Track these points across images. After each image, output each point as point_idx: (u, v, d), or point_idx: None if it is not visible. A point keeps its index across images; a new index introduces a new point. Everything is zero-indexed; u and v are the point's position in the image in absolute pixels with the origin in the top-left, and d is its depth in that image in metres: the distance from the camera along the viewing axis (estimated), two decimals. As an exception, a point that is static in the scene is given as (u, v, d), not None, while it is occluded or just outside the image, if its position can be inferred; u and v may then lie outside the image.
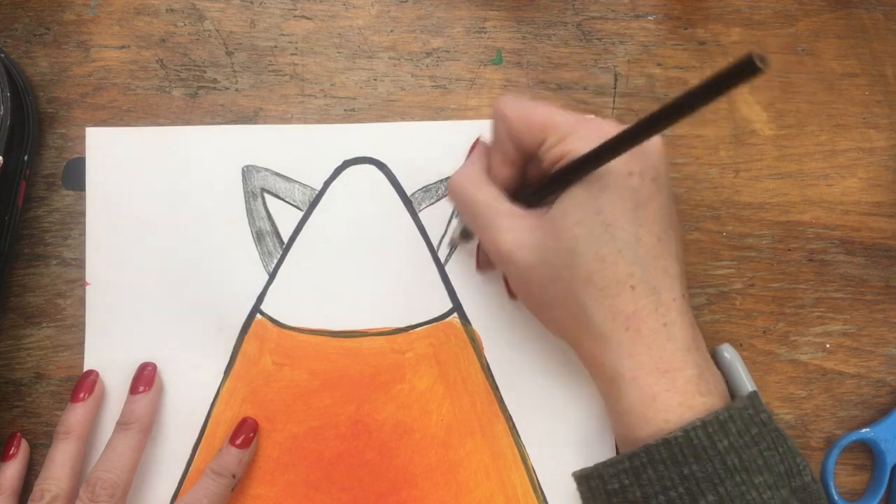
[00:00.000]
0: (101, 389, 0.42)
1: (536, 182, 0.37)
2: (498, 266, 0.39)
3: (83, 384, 0.41)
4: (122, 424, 0.40)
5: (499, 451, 0.42)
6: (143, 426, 0.40)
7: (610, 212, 0.33)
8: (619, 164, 0.33)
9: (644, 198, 0.34)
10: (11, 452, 0.41)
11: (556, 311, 0.36)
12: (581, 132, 0.34)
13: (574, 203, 0.34)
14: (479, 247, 0.42)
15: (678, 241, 0.36)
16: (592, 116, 0.36)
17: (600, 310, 0.34)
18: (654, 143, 0.35)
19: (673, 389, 0.33)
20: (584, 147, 0.33)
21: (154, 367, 0.42)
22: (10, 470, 0.40)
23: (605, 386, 0.35)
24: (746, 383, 0.42)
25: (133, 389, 0.41)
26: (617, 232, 0.33)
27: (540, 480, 0.42)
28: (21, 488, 0.40)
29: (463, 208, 0.39)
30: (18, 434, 0.41)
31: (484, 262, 0.42)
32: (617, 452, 0.39)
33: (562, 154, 0.34)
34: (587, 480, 0.34)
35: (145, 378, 0.41)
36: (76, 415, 0.40)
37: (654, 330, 0.34)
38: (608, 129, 0.34)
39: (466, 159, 0.41)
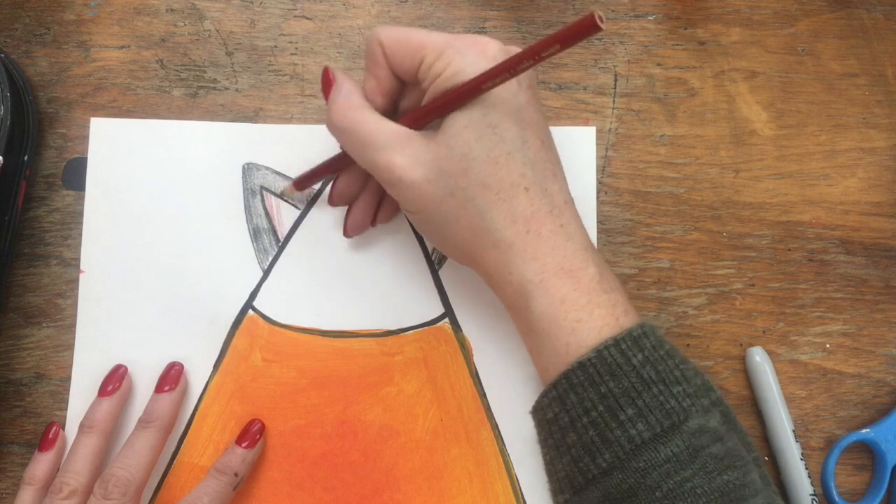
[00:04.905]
0: (128, 385, 0.41)
1: (417, 107, 0.37)
2: (389, 191, 0.37)
3: (111, 377, 0.41)
4: (142, 422, 0.40)
5: (483, 459, 0.42)
6: (162, 425, 0.40)
7: (495, 114, 0.34)
8: None
9: (523, 102, 0.35)
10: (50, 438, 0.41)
11: (454, 226, 0.36)
12: (458, 46, 0.35)
13: (461, 111, 0.34)
14: (333, 183, 0.41)
15: (555, 148, 0.37)
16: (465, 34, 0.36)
17: (499, 214, 0.34)
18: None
19: (579, 289, 0.34)
20: (463, 61, 0.34)
21: (181, 367, 0.42)
22: (46, 462, 0.40)
23: (514, 299, 0.35)
24: (773, 388, 0.42)
25: (158, 388, 0.41)
26: (504, 133, 0.34)
27: (523, 491, 0.42)
28: (52, 482, 0.39)
29: (348, 137, 0.36)
30: (56, 425, 0.41)
31: (338, 195, 0.41)
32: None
33: (442, 69, 0.35)
34: (535, 414, 0.35)
35: (171, 377, 0.41)
36: (101, 409, 0.40)
37: (553, 231, 0.34)
38: (484, 42, 0.35)
39: (334, 90, 0.37)
